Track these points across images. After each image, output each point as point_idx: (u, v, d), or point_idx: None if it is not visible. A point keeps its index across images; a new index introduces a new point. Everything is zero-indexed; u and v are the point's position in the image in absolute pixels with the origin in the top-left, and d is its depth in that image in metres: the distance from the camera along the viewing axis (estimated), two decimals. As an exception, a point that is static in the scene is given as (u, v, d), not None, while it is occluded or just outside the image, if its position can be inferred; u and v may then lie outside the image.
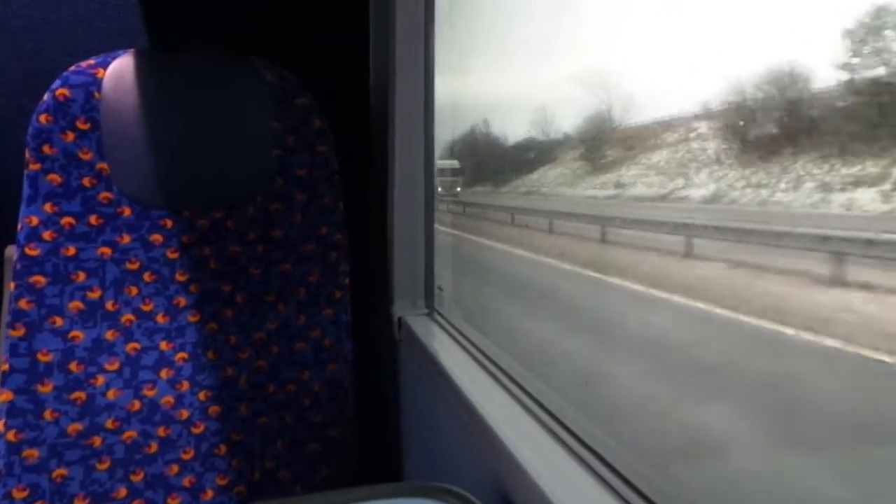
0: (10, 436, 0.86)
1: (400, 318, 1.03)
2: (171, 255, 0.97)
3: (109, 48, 1.07)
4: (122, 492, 0.91)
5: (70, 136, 0.92)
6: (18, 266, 0.89)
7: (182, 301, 0.97)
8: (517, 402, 0.68)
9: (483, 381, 0.74)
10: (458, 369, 0.77)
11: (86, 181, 0.93)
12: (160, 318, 0.96)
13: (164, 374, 0.94)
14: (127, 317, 0.94)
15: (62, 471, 0.88)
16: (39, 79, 1.10)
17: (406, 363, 1.01)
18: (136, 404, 0.92)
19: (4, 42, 1.11)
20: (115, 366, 0.92)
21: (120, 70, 0.95)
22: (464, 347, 0.86)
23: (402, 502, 0.56)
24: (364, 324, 1.15)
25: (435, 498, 0.55)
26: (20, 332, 0.88)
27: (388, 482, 1.13)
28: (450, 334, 0.93)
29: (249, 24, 1.20)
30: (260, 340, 1.00)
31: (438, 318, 1.02)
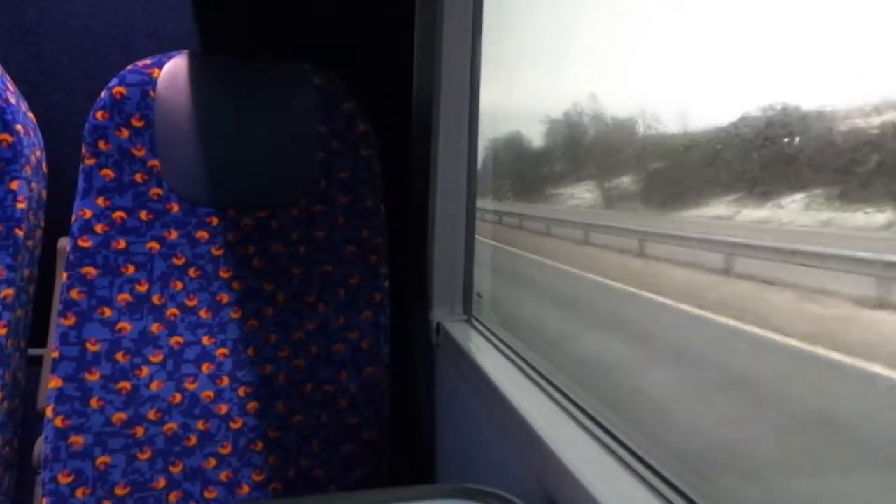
0: (58, 422, 0.88)
1: (438, 324, 1.03)
2: (216, 252, 0.98)
3: (162, 49, 1.10)
4: (162, 482, 0.92)
5: (125, 133, 0.94)
6: (71, 257, 0.91)
7: (225, 298, 0.98)
8: (562, 408, 0.67)
9: (526, 387, 0.74)
10: (500, 375, 0.77)
11: (138, 177, 0.95)
12: (203, 314, 0.97)
13: (205, 368, 0.96)
14: (172, 311, 0.96)
15: (105, 458, 0.90)
16: (95, 77, 1.14)
17: (444, 368, 1.01)
18: (178, 397, 0.94)
19: (63, 42, 1.14)
20: (159, 358, 0.94)
21: (174, 70, 0.98)
22: (505, 354, 0.86)
23: None
24: (401, 327, 1.15)
25: (481, 501, 0.55)
26: (71, 321, 0.90)
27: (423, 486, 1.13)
28: (489, 341, 0.93)
29: (298, 29, 1.23)
30: (299, 340, 1.01)
31: (477, 324, 1.02)
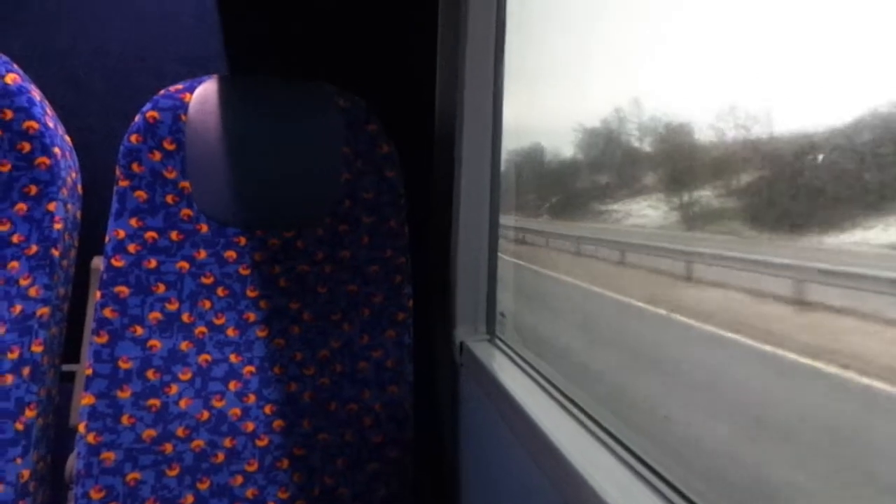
0: (90, 438, 0.90)
1: (461, 343, 1.03)
2: (244, 272, 1.00)
3: (193, 74, 1.13)
4: (190, 499, 0.93)
5: (157, 156, 0.97)
6: (105, 276, 0.94)
7: (252, 316, 1.00)
8: (588, 430, 0.67)
9: (550, 407, 0.74)
10: (524, 395, 0.77)
11: (169, 198, 0.98)
12: (231, 332, 0.99)
13: (232, 386, 0.97)
14: (200, 329, 0.97)
15: (136, 475, 0.91)
16: (128, 101, 1.17)
17: (467, 387, 1.02)
18: (206, 414, 0.95)
19: (98, 66, 1.18)
20: (188, 376, 0.96)
21: (205, 94, 1.00)
22: (528, 374, 0.86)
23: None
24: (425, 347, 1.16)
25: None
26: (104, 339, 0.92)
27: (447, 506, 1.13)
28: (513, 361, 0.93)
29: (322, 51, 1.25)
30: (324, 358, 1.02)
31: (500, 344, 1.03)
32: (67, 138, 1.03)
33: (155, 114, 0.97)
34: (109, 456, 0.91)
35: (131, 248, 0.95)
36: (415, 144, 1.22)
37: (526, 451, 0.73)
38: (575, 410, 0.73)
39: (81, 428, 0.91)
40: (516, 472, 0.78)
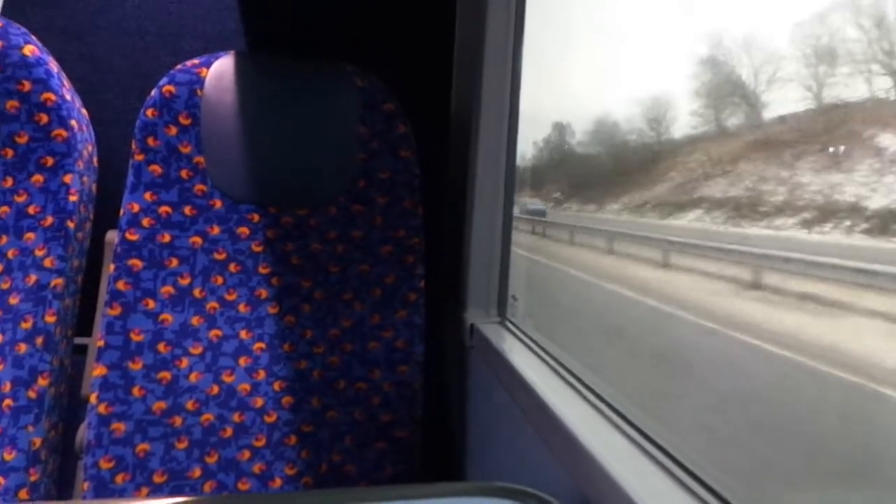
0: (101, 408, 0.91)
1: (472, 325, 1.03)
2: (256, 249, 1.00)
3: (209, 50, 1.13)
4: (197, 472, 0.94)
5: (173, 130, 0.97)
6: (119, 249, 0.94)
7: (263, 293, 1.00)
8: (598, 411, 0.67)
9: (562, 390, 0.74)
10: (536, 377, 0.77)
11: (183, 173, 0.98)
12: (242, 308, 0.99)
13: (242, 361, 0.98)
14: (212, 304, 0.98)
15: (145, 446, 0.92)
16: (145, 76, 1.18)
17: (477, 369, 1.01)
18: (215, 389, 0.96)
19: (116, 42, 1.18)
20: (199, 350, 0.96)
21: (221, 70, 1.00)
22: (539, 357, 0.85)
23: (485, 502, 0.57)
24: (435, 328, 1.16)
25: (519, 500, 0.55)
26: (117, 311, 0.93)
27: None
28: (524, 343, 0.92)
29: (340, 31, 1.25)
30: (334, 337, 1.02)
31: (511, 327, 1.02)
32: (84, 111, 1.03)
33: (171, 88, 0.97)
34: (119, 427, 0.91)
35: (145, 221, 0.96)
36: (431, 125, 1.22)
37: (535, 431, 0.72)
38: (586, 392, 0.72)
39: (93, 398, 0.91)
40: (526, 453, 0.77)
